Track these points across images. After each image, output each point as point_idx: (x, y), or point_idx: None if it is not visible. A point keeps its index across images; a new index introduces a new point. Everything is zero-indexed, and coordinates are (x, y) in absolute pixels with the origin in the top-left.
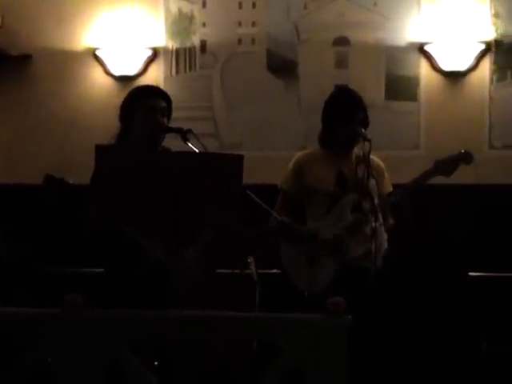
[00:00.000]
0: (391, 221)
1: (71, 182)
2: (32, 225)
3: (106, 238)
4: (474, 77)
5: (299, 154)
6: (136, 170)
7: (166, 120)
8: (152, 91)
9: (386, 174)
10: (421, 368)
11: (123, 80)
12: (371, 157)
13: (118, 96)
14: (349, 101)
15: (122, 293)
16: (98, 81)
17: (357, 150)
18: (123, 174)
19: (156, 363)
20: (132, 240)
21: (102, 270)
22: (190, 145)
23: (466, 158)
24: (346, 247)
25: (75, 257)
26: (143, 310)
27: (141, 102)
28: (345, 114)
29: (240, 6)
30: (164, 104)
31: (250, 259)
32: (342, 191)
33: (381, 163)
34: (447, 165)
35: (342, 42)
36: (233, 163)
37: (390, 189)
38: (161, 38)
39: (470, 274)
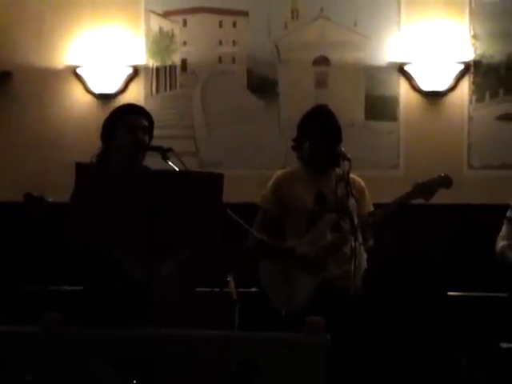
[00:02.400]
0: (371, 241)
1: (50, 200)
2: (12, 243)
3: (85, 255)
4: (453, 97)
5: (279, 172)
6: (116, 188)
7: (147, 138)
8: (132, 109)
9: (366, 193)
10: None
11: (103, 98)
12: (352, 176)
13: (98, 114)
14: (318, 117)
15: (100, 310)
16: (78, 99)
17: (337, 169)
18: (103, 192)
19: (135, 382)
20: (110, 257)
21: (81, 287)
22: (170, 163)
23: (445, 181)
24: (328, 265)
25: (54, 275)
26: (122, 328)
27: (121, 121)
28: (314, 128)
29: (221, 25)
30: (145, 122)
31: (230, 278)
32: (321, 210)
33: (362, 183)
34: (426, 188)
35: (322, 61)
36: (213, 182)
37: (371, 208)
38: (141, 56)
39: (449, 293)
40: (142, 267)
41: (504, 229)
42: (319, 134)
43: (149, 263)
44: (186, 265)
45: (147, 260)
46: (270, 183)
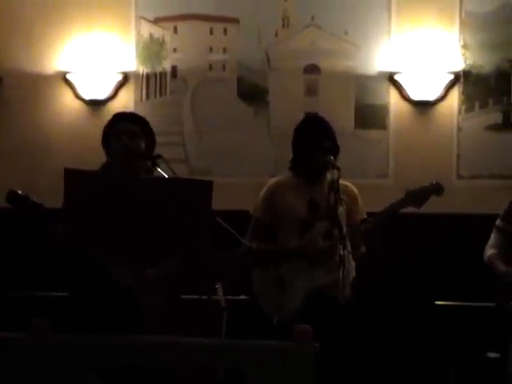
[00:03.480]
0: (363, 249)
1: (35, 199)
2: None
3: (71, 261)
4: (443, 107)
5: (272, 181)
6: (105, 194)
7: (137, 143)
8: (121, 116)
9: (359, 200)
10: None
11: (93, 104)
12: (345, 183)
13: (88, 120)
14: (318, 130)
15: (86, 317)
16: (68, 104)
17: (329, 177)
18: (92, 198)
19: None
20: (97, 264)
21: (67, 293)
22: (159, 170)
23: (437, 189)
24: (312, 274)
25: (42, 280)
26: (110, 335)
27: (111, 129)
28: (314, 143)
29: (211, 32)
30: (133, 127)
31: (218, 285)
32: (313, 218)
33: (355, 190)
34: (418, 196)
35: (312, 69)
36: (202, 189)
37: (364, 215)
38: (132, 62)
39: (437, 302)
40: (128, 273)
41: (492, 237)
42: (320, 146)
43: (138, 270)
44: (174, 273)
45: (136, 267)
46: (262, 192)
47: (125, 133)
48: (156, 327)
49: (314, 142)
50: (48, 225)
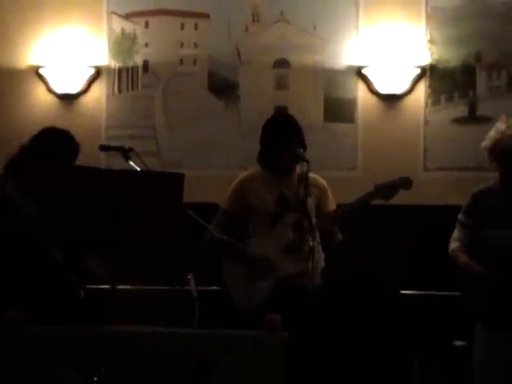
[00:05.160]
0: (340, 236)
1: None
2: None
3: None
4: (410, 100)
5: (243, 174)
6: (78, 186)
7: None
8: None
9: (329, 192)
10: None
11: (66, 98)
12: (314, 176)
13: (60, 114)
14: (286, 127)
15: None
16: (40, 99)
17: (298, 170)
18: (65, 189)
19: (95, 379)
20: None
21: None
22: (131, 163)
23: (405, 183)
24: (282, 264)
25: None
26: (83, 326)
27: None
28: (283, 140)
29: (182, 27)
30: None
31: (190, 276)
32: (283, 211)
33: (324, 182)
34: (387, 189)
35: (282, 64)
36: (173, 181)
37: (334, 206)
38: (104, 57)
39: (403, 291)
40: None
41: (456, 231)
42: (285, 145)
43: (111, 258)
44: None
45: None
46: (232, 185)
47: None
48: (130, 317)
49: (283, 138)
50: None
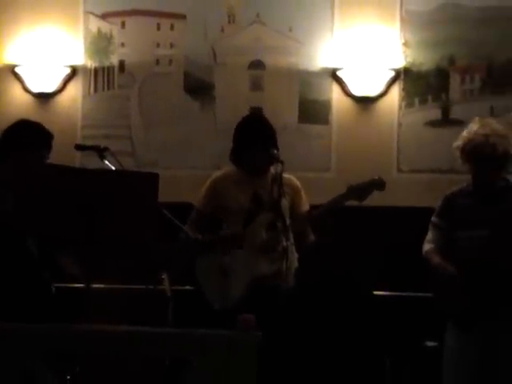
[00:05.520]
0: (312, 237)
1: None
2: None
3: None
4: (384, 102)
5: (217, 173)
6: (52, 184)
7: None
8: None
9: (302, 193)
10: None
11: (42, 97)
12: (289, 177)
13: (36, 113)
14: (259, 128)
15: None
16: (16, 97)
17: (273, 170)
18: (40, 187)
19: (68, 377)
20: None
21: None
22: (106, 162)
23: (378, 184)
24: (255, 264)
25: None
26: (57, 324)
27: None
28: (255, 140)
29: (158, 27)
30: None
31: (164, 275)
32: (256, 210)
33: (298, 183)
34: (360, 191)
35: (257, 65)
36: (148, 181)
37: (307, 208)
38: (80, 56)
39: (376, 293)
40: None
41: (429, 233)
42: (259, 146)
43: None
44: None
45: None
46: (206, 185)
47: None
48: (104, 316)
49: (255, 139)
50: None
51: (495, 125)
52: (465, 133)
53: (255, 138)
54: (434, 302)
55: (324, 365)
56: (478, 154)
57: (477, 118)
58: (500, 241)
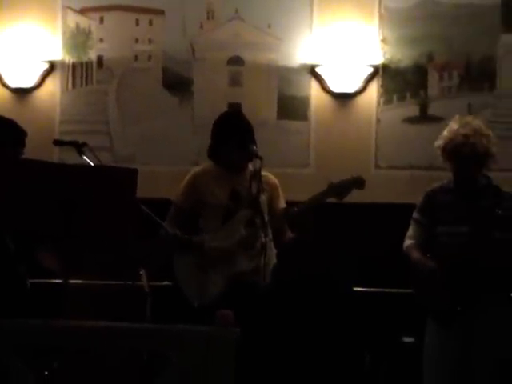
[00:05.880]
0: (290, 234)
1: None
2: None
3: None
4: (362, 99)
5: (195, 169)
6: (30, 179)
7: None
8: None
9: (280, 190)
10: (307, 382)
11: (19, 92)
12: (266, 174)
13: (14, 108)
14: (236, 124)
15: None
16: None
17: (251, 167)
18: (17, 182)
19: (46, 373)
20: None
21: None
22: (85, 158)
23: (358, 182)
24: (234, 260)
25: None
26: (33, 319)
27: None
28: (232, 136)
29: (137, 23)
30: None
31: (142, 271)
32: (235, 206)
33: (275, 180)
34: (340, 188)
35: (236, 61)
36: (127, 177)
37: (284, 205)
38: (58, 51)
39: (355, 288)
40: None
41: (410, 228)
42: (236, 142)
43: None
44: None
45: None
46: (184, 180)
47: None
48: (83, 311)
49: (232, 135)
50: None
51: (476, 123)
52: (446, 132)
53: (233, 134)
54: (414, 297)
55: (303, 361)
56: (459, 153)
57: (457, 116)
58: (480, 238)
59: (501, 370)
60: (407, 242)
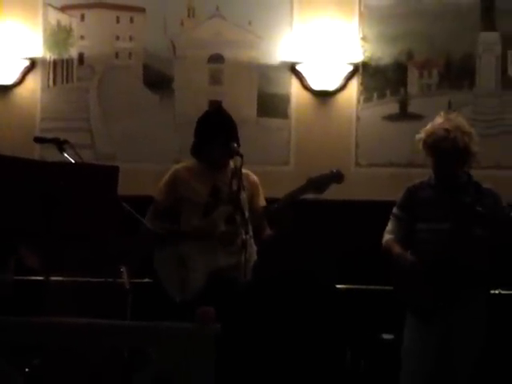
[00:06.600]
0: (268, 231)
1: None
2: None
3: None
4: (343, 97)
5: (176, 166)
6: (11, 176)
7: None
8: None
9: (260, 188)
10: (289, 378)
11: (0, 89)
12: (247, 172)
13: None
14: (221, 121)
15: None
16: None
17: (232, 164)
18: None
19: (27, 369)
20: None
21: None
22: (66, 155)
23: (337, 177)
24: (214, 256)
25: None
26: (14, 317)
27: None
28: (216, 134)
29: (118, 20)
30: None
31: (123, 268)
32: (215, 203)
33: (256, 178)
34: (319, 183)
35: (216, 59)
36: (108, 174)
37: (264, 203)
38: (39, 49)
39: (337, 286)
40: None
41: (390, 224)
42: (220, 140)
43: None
44: None
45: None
46: (165, 177)
47: None
48: (63, 309)
49: (217, 132)
50: None
51: (459, 120)
52: (428, 126)
53: (217, 132)
54: (394, 292)
55: (284, 357)
56: (439, 147)
57: (442, 113)
58: (460, 235)
59: (478, 365)
60: (386, 237)
